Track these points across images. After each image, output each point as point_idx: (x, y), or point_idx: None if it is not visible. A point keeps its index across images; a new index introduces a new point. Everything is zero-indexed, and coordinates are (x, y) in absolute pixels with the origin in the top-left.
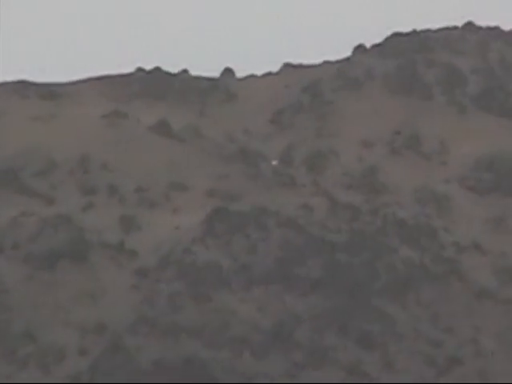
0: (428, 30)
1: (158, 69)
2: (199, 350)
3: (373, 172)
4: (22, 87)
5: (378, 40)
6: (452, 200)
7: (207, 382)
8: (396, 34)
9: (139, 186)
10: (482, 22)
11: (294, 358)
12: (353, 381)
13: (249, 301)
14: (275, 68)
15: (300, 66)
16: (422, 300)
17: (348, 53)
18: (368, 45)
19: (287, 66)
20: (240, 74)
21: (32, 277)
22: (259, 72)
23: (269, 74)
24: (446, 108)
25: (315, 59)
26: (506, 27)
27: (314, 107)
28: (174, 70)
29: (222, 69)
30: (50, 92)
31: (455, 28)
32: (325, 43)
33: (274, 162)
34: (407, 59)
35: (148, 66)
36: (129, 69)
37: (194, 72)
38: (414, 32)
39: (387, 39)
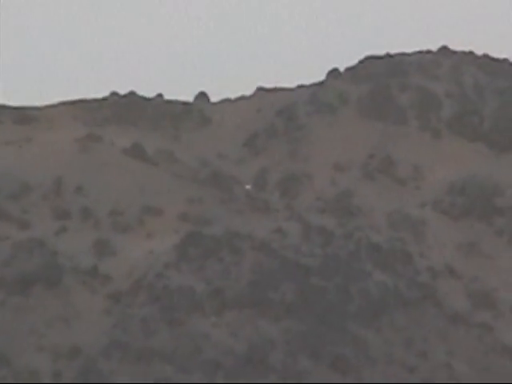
0: (402, 54)
1: (132, 93)
2: (172, 374)
3: (346, 196)
4: None
5: (352, 63)
6: (426, 224)
7: None
8: (370, 58)
9: (113, 210)
10: (456, 47)
11: (268, 382)
12: None
13: (222, 325)
14: (249, 91)
15: (274, 90)
16: (396, 324)
17: (322, 76)
18: (342, 68)
19: (261, 89)
20: (214, 97)
21: (5, 301)
22: (233, 95)
23: (242, 97)
24: (419, 132)
25: (289, 83)
26: (479, 52)
27: (288, 131)
28: (149, 93)
29: (196, 92)
30: (23, 116)
31: (429, 52)
32: (299, 67)
33: (248, 186)
34: (381, 83)
35: (122, 90)
36: (103, 93)
37: (168, 96)
38: (388, 55)
39: (361, 62)
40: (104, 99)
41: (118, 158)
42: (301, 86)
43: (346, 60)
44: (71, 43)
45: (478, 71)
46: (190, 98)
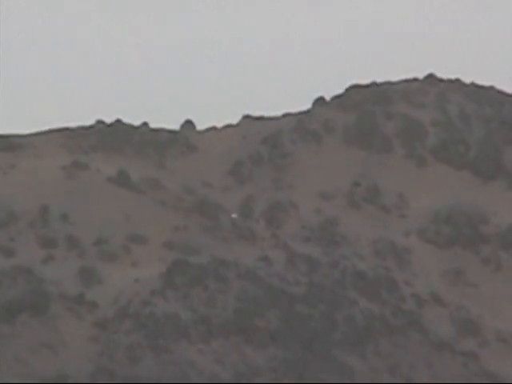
0: (388, 82)
1: (118, 121)
2: None
3: (331, 224)
4: None
5: (339, 91)
6: (411, 252)
7: None
8: (355, 86)
9: (99, 238)
10: (443, 74)
11: None
12: None
13: (208, 352)
14: (235, 120)
15: (260, 118)
16: (382, 351)
17: (308, 104)
18: (328, 96)
19: (247, 117)
20: (200, 125)
21: None
22: (219, 123)
23: (228, 125)
24: (405, 160)
25: (275, 111)
26: (466, 79)
27: (273, 159)
28: (135, 121)
29: (182, 120)
30: (8, 144)
31: (415, 80)
32: (285, 95)
33: (234, 215)
34: (367, 111)
35: (108, 118)
36: (89, 121)
37: (154, 124)
38: (374, 84)
39: (347, 91)
40: (90, 127)
41: (104, 185)
42: (287, 114)
43: (331, 88)
44: (56, 70)
45: (465, 99)
46: (176, 126)
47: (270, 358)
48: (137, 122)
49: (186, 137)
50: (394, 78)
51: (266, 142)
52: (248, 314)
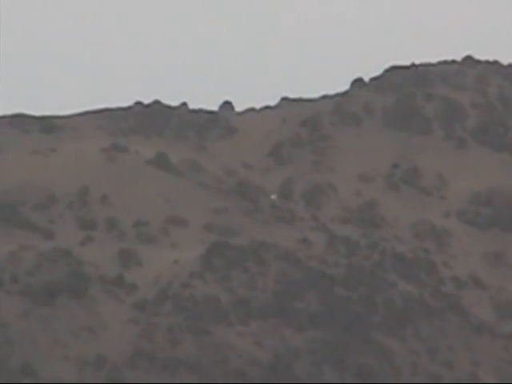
0: (427, 64)
1: (156, 102)
2: (197, 383)
3: (371, 206)
4: (21, 121)
5: (377, 73)
6: (451, 234)
7: None
8: (394, 67)
9: (138, 220)
10: (481, 56)
11: None
12: None
13: (247, 335)
14: (273, 101)
15: (298, 100)
16: (421, 334)
17: (346, 86)
18: (366, 78)
19: (285, 99)
20: (238, 106)
21: (31, 311)
22: (257, 105)
23: (267, 107)
24: (444, 142)
25: (313, 93)
26: (504, 61)
27: (313, 141)
28: (174, 102)
29: (220, 101)
30: (48, 126)
31: (454, 62)
32: (323, 76)
33: (273, 196)
34: (406, 93)
35: (147, 99)
36: (128, 102)
37: (193, 105)
38: (413, 65)
39: (386, 72)
40: (129, 108)
41: (143, 168)
42: (325, 96)
43: (370, 69)
44: (96, 53)
45: (504, 81)
46: (214, 107)
47: (310, 341)
48: (175, 103)
49: (225, 118)
50: (433, 60)
51: (305, 125)
52: (287, 297)
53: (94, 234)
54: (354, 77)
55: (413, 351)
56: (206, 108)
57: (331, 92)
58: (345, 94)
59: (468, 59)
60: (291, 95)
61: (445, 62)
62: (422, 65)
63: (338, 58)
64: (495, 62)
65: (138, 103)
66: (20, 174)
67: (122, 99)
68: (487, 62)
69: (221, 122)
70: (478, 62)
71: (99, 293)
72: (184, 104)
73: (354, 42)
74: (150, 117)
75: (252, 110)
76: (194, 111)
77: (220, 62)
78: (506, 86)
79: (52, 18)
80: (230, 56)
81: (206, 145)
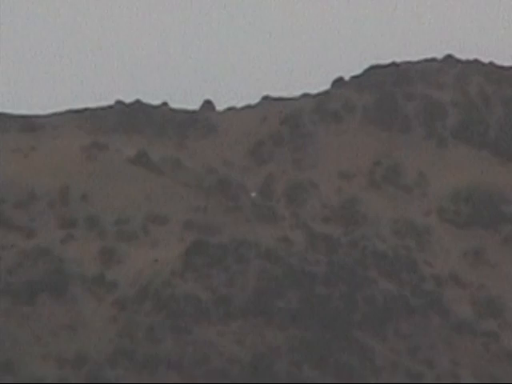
0: (407, 62)
1: (137, 101)
2: (178, 382)
3: (352, 204)
4: (1, 120)
5: (357, 72)
6: (431, 232)
7: None
8: (375, 67)
9: (118, 219)
10: (461, 55)
11: None
12: None
13: (228, 333)
14: (254, 100)
15: (279, 99)
16: (401, 332)
17: (327, 85)
18: (347, 77)
19: (266, 98)
20: (219, 106)
21: (11, 309)
22: (238, 104)
23: (248, 106)
24: (425, 140)
25: (294, 91)
26: (485, 60)
27: (293, 139)
28: (155, 102)
29: (201, 101)
30: (29, 125)
31: (434, 60)
32: (304, 75)
33: (254, 194)
34: (386, 92)
35: (128, 99)
36: (108, 101)
37: (174, 104)
38: (393, 64)
39: (366, 71)
40: (109, 107)
41: (124, 166)
42: (306, 95)
43: (351, 69)
44: (76, 51)
45: (484, 79)
46: (195, 107)
47: (290, 339)
48: (156, 102)
49: (205, 117)
50: (413, 59)
51: (286, 123)
52: (268, 295)
53: (74, 232)
54: (335, 76)
55: (393, 350)
56: (186, 108)
57: (312, 91)
58: (326, 92)
59: (448, 58)
60: (272, 94)
61: (425, 61)
62: (402, 64)
63: (319, 57)
64: (476, 61)
65: (119, 102)
66: (0, 173)
67: (103, 99)
68: (467, 61)
69: (201, 120)
70: (459, 60)
71: (80, 291)
72: (165, 103)
73: (335, 41)
74: (130, 115)
75: (233, 109)
76: (175, 110)
77: (201, 61)
78: (486, 85)
79: (32, 17)
80: (211, 55)
81: (186, 143)
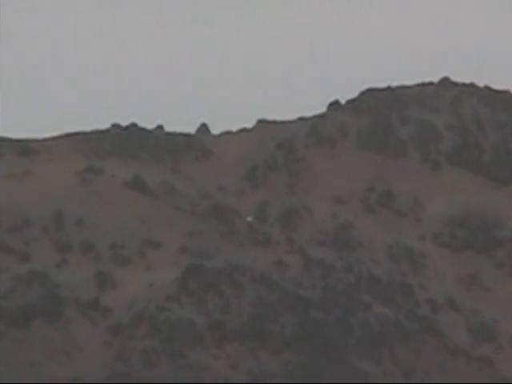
0: (402, 86)
1: (133, 125)
2: None
3: (346, 229)
4: None
5: (353, 95)
6: (426, 257)
7: None
8: (370, 90)
9: (114, 243)
10: (457, 78)
11: None
12: None
13: (222, 357)
14: (250, 124)
15: (274, 122)
16: (396, 356)
17: (323, 108)
18: (343, 100)
19: (261, 121)
20: (215, 129)
21: (5, 333)
22: (233, 127)
23: (243, 129)
24: (420, 164)
25: (290, 115)
26: (480, 83)
27: (288, 163)
28: (150, 125)
29: (197, 124)
30: (23, 149)
31: (430, 84)
32: (299, 98)
33: (249, 219)
34: (381, 116)
35: (123, 122)
36: (104, 125)
37: (169, 127)
38: (389, 88)
39: (361, 95)
40: (105, 131)
41: (119, 190)
42: (301, 118)
43: (346, 92)
44: (72, 75)
45: (479, 103)
46: (191, 130)
47: (285, 363)
48: (152, 125)
49: (201, 141)
50: (409, 82)
51: (280, 147)
52: (263, 319)
53: (69, 256)
54: (331, 99)
55: (388, 374)
56: (182, 131)
57: (308, 114)
58: (321, 116)
59: (444, 81)
60: (267, 117)
61: (421, 85)
62: (397, 87)
63: (315, 80)
64: (471, 85)
65: (115, 126)
66: None
67: (98, 123)
68: (463, 84)
69: (196, 144)
70: (455, 84)
71: (74, 316)
72: (160, 127)
73: (331, 65)
74: (126, 139)
75: (228, 132)
76: (170, 134)
77: (197, 84)
78: (481, 109)
79: (28, 41)
80: (207, 78)
81: (181, 168)
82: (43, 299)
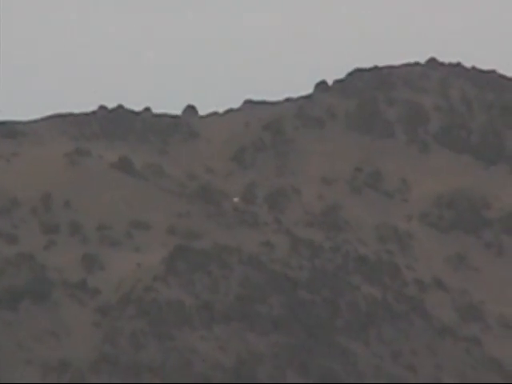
0: (389, 67)
1: (120, 107)
2: None
3: (334, 209)
4: None
5: (340, 75)
6: (413, 237)
7: None
8: (358, 70)
9: (101, 224)
10: (444, 58)
11: None
12: None
13: (210, 339)
14: (237, 104)
15: (261, 103)
16: (384, 337)
17: (310, 88)
18: (330, 80)
19: (248, 102)
20: (202, 110)
21: None
22: (221, 108)
23: (230, 110)
24: (407, 145)
25: (277, 95)
26: (467, 64)
27: (276, 145)
28: (137, 107)
29: (184, 105)
30: (11, 131)
31: (417, 64)
32: (286, 79)
33: (236, 200)
34: (368, 97)
35: (111, 104)
36: (91, 107)
37: (156, 109)
38: (376, 68)
39: (349, 75)
40: (92, 113)
41: (106, 172)
42: (288, 99)
43: (333, 73)
44: (58, 57)
45: (466, 84)
46: (178, 111)
47: (273, 345)
48: (139, 107)
49: (188, 122)
50: (396, 62)
51: (268, 129)
52: (250, 300)
53: (57, 238)
54: (318, 80)
55: (376, 354)
56: (169, 112)
57: (295, 95)
58: (308, 97)
59: (432, 61)
60: (255, 98)
61: (408, 65)
62: (384, 68)
63: (302, 61)
64: (458, 65)
65: (102, 108)
66: None
67: (86, 105)
68: (450, 65)
69: (183, 126)
70: (442, 64)
71: (62, 297)
72: (147, 109)
73: (318, 45)
74: (113, 121)
75: (215, 113)
76: (157, 115)
77: (183, 66)
78: (468, 89)
79: (14, 23)
80: (194, 59)
81: (168, 149)
82: (31, 281)
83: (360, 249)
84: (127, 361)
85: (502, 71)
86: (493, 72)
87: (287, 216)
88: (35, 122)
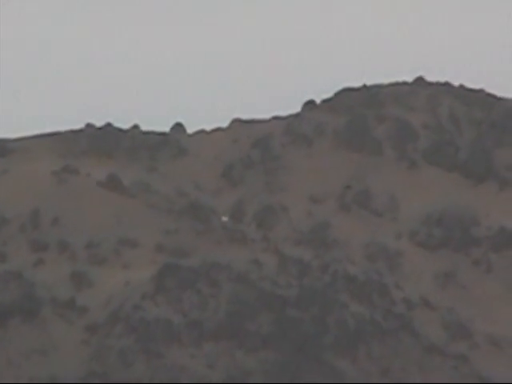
0: (378, 85)
1: (108, 124)
2: None
3: (322, 227)
4: None
5: (329, 95)
6: (402, 256)
7: None
8: (346, 89)
9: (90, 242)
10: (432, 77)
11: None
12: None
13: (199, 356)
14: (224, 123)
15: (249, 121)
16: (373, 355)
17: (298, 108)
18: (318, 99)
19: (237, 121)
20: (190, 128)
21: None
22: (209, 127)
23: (218, 129)
24: (396, 163)
25: (265, 114)
26: (455, 82)
27: (264, 162)
28: (125, 125)
29: (172, 123)
30: (1, 148)
31: (405, 83)
32: (274, 98)
33: (224, 218)
34: (357, 115)
35: (98, 122)
36: (79, 124)
37: (144, 127)
38: (365, 87)
39: (337, 94)
40: (80, 131)
41: (95, 189)
42: (276, 118)
43: (322, 92)
44: (46, 74)
45: (454, 102)
46: (166, 129)
47: (262, 362)
48: (127, 126)
49: (176, 140)
50: (384, 81)
51: (256, 146)
52: (239, 318)
53: (45, 256)
54: (306, 99)
55: (364, 372)
56: (157, 130)
57: (283, 114)
58: (296, 115)
59: (419, 80)
60: (243, 117)
61: (396, 84)
62: (373, 86)
63: (290, 79)
64: (446, 84)
65: (90, 126)
66: None
67: (74, 122)
68: (438, 84)
69: (172, 143)
70: (430, 83)
71: (51, 315)
72: (135, 126)
73: (306, 64)
74: (101, 139)
75: (203, 131)
76: (146, 133)
77: (171, 84)
78: (456, 107)
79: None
80: (181, 77)
81: (157, 166)
82: (20, 299)
83: (349, 267)
84: (116, 378)
85: (489, 90)
86: (481, 91)
87: (275, 234)
88: (24, 139)
